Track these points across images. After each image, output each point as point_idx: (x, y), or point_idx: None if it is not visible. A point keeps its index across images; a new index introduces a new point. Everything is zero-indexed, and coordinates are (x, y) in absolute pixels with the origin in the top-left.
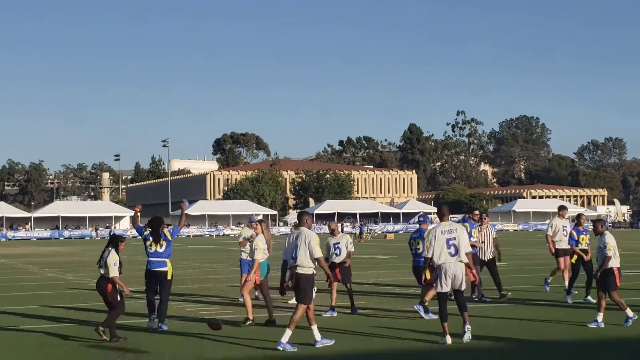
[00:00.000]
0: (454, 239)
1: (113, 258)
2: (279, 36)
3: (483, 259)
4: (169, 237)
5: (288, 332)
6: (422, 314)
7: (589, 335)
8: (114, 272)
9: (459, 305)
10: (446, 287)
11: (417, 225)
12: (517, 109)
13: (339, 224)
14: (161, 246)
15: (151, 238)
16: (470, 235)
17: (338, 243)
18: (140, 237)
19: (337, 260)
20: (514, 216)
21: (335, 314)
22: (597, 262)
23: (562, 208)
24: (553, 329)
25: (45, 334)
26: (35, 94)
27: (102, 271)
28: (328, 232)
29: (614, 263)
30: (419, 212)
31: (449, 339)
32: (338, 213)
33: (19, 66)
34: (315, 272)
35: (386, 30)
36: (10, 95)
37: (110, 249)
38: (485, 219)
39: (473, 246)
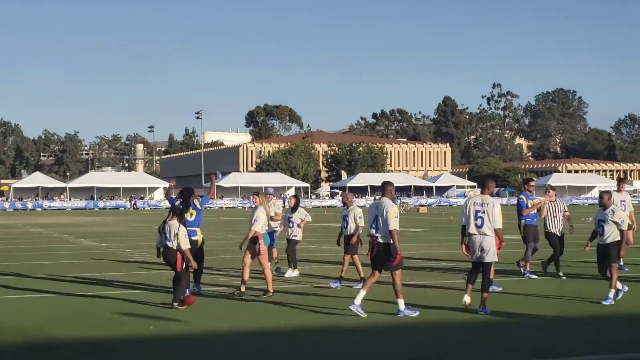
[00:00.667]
0: (483, 212)
1: (183, 231)
2: (312, 8)
3: (554, 232)
4: (199, 207)
5: (400, 301)
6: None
7: (624, 310)
8: (186, 244)
9: (482, 283)
10: (473, 258)
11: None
12: (553, 82)
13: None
14: (191, 215)
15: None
16: (525, 206)
17: (347, 215)
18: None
19: (346, 232)
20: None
21: (340, 286)
22: (599, 236)
23: (620, 181)
24: (581, 305)
25: (81, 299)
26: (71, 66)
27: (169, 244)
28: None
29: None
30: (453, 185)
31: (467, 298)
32: (371, 186)
33: (54, 37)
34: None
35: (421, 1)
36: (45, 67)
37: (177, 222)
38: (550, 191)
39: (534, 217)
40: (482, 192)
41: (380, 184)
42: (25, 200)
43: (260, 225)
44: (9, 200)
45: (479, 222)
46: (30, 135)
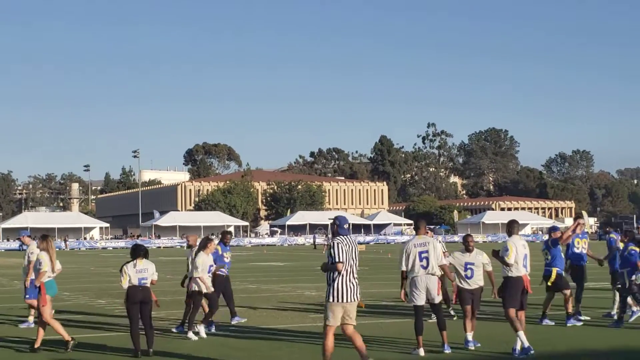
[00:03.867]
0: (427, 252)
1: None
2: (250, 46)
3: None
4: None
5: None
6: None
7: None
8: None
9: (437, 323)
10: (420, 300)
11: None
12: (486, 121)
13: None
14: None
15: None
16: (572, 245)
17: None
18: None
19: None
20: (483, 228)
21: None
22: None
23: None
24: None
25: (17, 345)
26: (3, 104)
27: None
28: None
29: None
30: (390, 223)
31: (421, 352)
32: (310, 224)
33: None
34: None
35: (359, 40)
36: None
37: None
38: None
39: (579, 258)
40: (418, 233)
41: (317, 222)
42: None
43: (48, 273)
44: None
45: (424, 262)
46: None
